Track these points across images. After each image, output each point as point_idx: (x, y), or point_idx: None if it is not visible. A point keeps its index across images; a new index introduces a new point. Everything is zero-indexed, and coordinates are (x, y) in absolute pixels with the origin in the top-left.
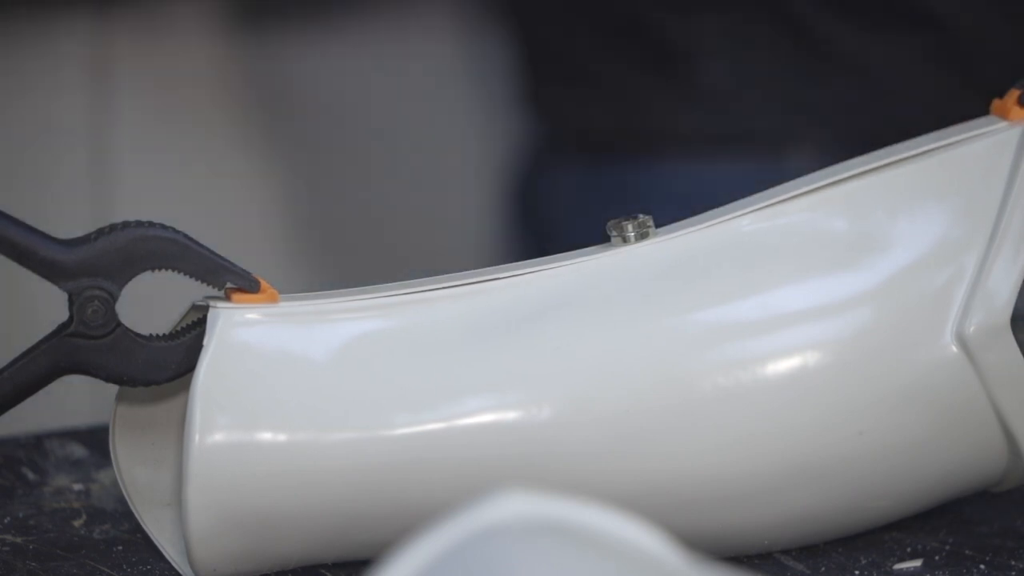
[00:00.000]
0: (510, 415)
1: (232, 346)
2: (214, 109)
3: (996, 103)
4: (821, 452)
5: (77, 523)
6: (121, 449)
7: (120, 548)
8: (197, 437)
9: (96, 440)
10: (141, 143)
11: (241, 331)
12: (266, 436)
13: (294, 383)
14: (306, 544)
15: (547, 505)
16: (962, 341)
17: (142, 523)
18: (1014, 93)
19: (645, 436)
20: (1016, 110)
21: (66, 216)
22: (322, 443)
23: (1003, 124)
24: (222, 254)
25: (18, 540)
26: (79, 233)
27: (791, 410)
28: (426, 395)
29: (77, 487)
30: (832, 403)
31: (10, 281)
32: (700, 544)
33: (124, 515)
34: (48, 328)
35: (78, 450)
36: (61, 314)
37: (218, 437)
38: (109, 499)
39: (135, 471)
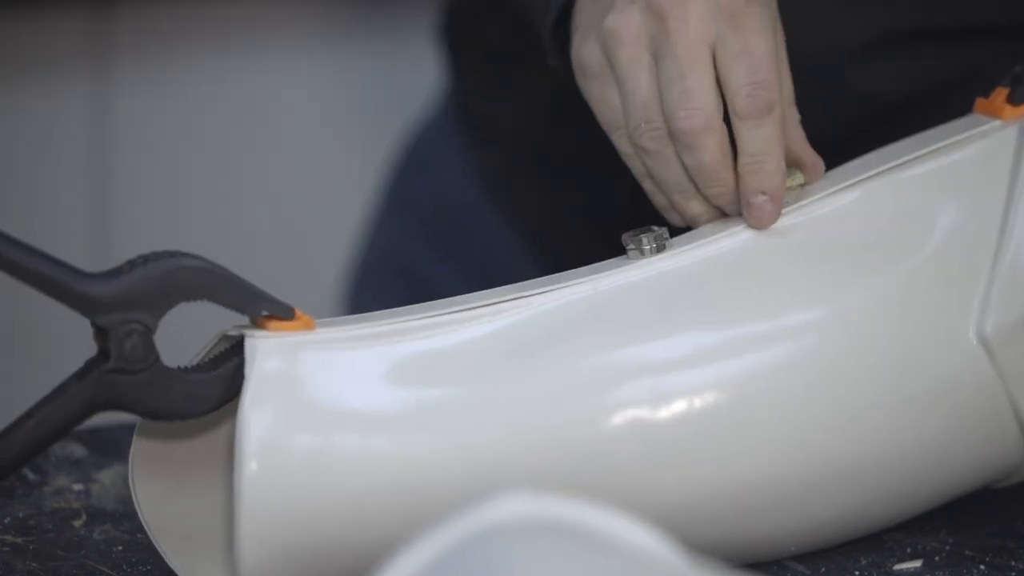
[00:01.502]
0: (558, 432)
1: (274, 376)
2: (214, 110)
3: (980, 102)
4: (853, 455)
5: (77, 523)
6: (140, 483)
7: (120, 548)
8: (246, 470)
9: (96, 440)
10: (141, 144)
11: (281, 360)
12: (314, 466)
13: (338, 411)
14: (359, 571)
15: (547, 505)
16: (982, 339)
17: (166, 558)
18: (1001, 92)
19: (689, 446)
20: (1008, 109)
21: (64, 216)
22: (371, 470)
23: (996, 123)
24: (224, 254)
25: (18, 540)
26: (77, 234)
27: (822, 415)
28: (473, 418)
29: (77, 487)
30: (862, 407)
31: (10, 281)
32: (728, 553)
33: (124, 515)
34: (49, 328)
35: (78, 450)
36: (62, 314)
37: (267, 470)
38: (109, 499)
39: (155, 506)
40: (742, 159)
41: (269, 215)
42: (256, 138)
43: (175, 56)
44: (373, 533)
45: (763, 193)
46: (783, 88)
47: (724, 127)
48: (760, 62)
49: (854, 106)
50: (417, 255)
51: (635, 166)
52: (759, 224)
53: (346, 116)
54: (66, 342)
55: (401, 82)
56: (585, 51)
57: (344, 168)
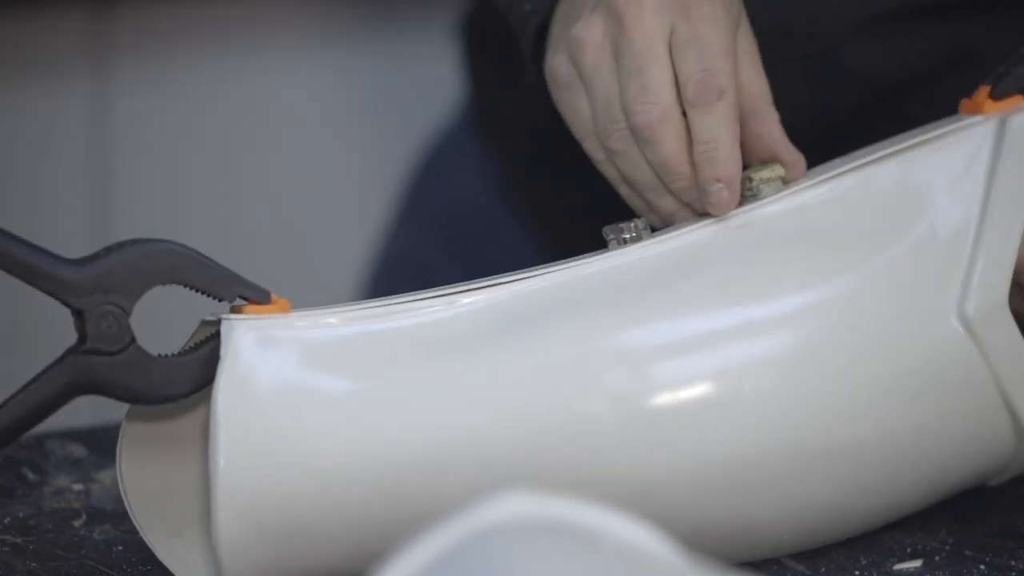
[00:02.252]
0: (531, 416)
1: (249, 358)
2: (214, 110)
3: (965, 102)
4: (839, 442)
5: (77, 523)
6: (129, 480)
7: (120, 548)
8: (222, 453)
9: (96, 440)
10: (141, 144)
11: (256, 343)
12: (290, 447)
13: (314, 392)
14: (337, 555)
15: (547, 505)
16: (965, 321)
17: (156, 553)
18: (984, 89)
19: (673, 427)
20: (990, 104)
21: (64, 216)
22: (347, 451)
23: (978, 118)
24: (225, 256)
25: (18, 540)
26: (77, 233)
27: (808, 398)
28: (446, 400)
29: (77, 487)
30: (848, 394)
31: (11, 281)
32: (719, 545)
33: (124, 515)
34: (50, 328)
35: (78, 450)
36: (61, 315)
37: (242, 450)
38: (109, 499)
39: (144, 501)
40: (696, 148)
41: (269, 215)
42: (256, 138)
43: (175, 56)
44: (350, 516)
45: (718, 181)
46: (758, 85)
47: (683, 121)
48: (709, 49)
49: (850, 86)
50: (432, 260)
51: (609, 172)
52: (717, 211)
53: (346, 116)
54: (66, 342)
55: (402, 82)
56: (555, 62)
57: (344, 169)
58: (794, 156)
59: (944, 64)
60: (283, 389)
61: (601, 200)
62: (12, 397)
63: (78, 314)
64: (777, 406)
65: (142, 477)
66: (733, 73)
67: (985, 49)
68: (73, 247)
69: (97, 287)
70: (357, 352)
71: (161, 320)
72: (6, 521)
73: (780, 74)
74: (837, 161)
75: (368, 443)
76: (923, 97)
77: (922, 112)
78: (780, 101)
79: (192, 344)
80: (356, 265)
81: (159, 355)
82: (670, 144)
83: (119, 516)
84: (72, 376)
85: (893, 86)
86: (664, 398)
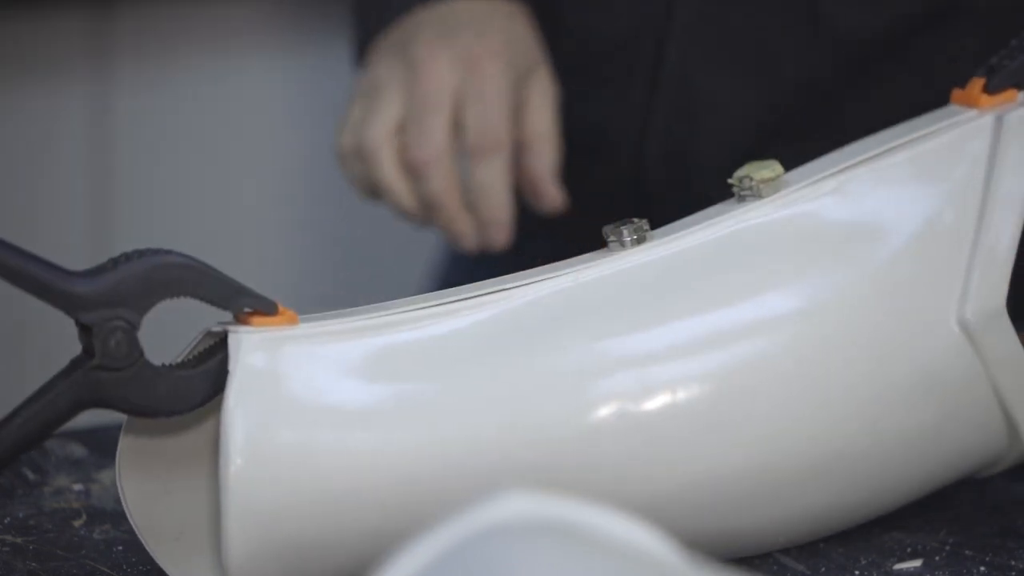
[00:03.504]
0: (541, 425)
1: (258, 371)
2: (214, 110)
3: (957, 93)
4: (840, 444)
5: (77, 523)
6: (128, 484)
7: (120, 548)
8: (232, 467)
9: (96, 440)
10: (141, 144)
11: (265, 355)
12: (299, 461)
13: (322, 405)
14: (345, 568)
15: (547, 505)
16: (964, 326)
17: (155, 557)
18: (978, 82)
19: (675, 437)
20: (985, 98)
21: (64, 216)
22: (356, 464)
23: (973, 112)
24: (224, 257)
25: (18, 540)
26: (77, 234)
27: (808, 405)
28: (457, 411)
29: (77, 487)
30: (847, 397)
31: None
32: (717, 545)
33: (124, 515)
34: (49, 327)
35: (78, 450)
36: (60, 314)
37: (252, 465)
38: (109, 499)
39: (144, 506)
40: (473, 191)
41: (269, 216)
42: (256, 138)
43: (175, 56)
44: (360, 527)
45: (490, 222)
46: (541, 125)
47: (453, 164)
48: (491, 105)
49: (828, 43)
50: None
51: (350, 170)
52: (489, 248)
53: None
54: (66, 342)
55: None
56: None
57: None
58: (552, 193)
59: (926, 24)
60: (293, 404)
61: (610, 196)
62: (17, 412)
63: (84, 328)
64: (778, 411)
65: (141, 478)
66: (509, 128)
67: (969, 11)
68: (73, 247)
69: (106, 302)
70: (365, 366)
71: (159, 322)
72: (6, 521)
73: (765, 28)
74: (829, 157)
75: (380, 457)
76: (906, 57)
77: (907, 72)
78: (765, 59)
79: (196, 354)
80: (355, 265)
81: (163, 365)
82: (437, 181)
83: (119, 516)
84: (79, 393)
85: (875, 44)
86: (667, 406)
